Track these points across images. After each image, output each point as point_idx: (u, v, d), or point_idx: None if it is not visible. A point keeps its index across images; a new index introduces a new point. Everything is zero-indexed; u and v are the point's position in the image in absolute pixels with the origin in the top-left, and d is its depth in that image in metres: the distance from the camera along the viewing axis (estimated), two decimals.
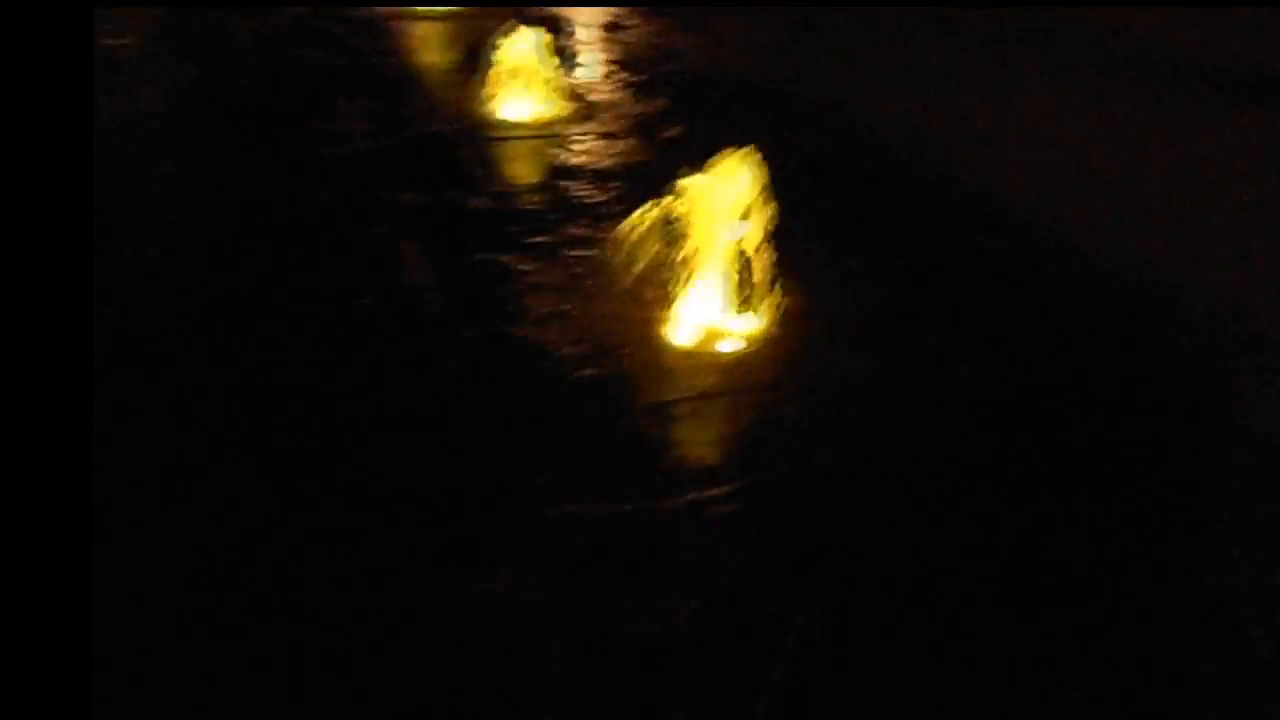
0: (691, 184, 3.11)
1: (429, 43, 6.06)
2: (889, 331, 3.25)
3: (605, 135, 4.71)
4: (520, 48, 4.76)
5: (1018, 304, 3.41)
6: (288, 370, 2.87)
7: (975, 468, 2.54)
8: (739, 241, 3.16)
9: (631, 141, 4.68)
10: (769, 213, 3.11)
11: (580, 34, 6.39)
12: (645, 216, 3.13)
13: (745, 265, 3.18)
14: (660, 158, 4.39)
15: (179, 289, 3.29)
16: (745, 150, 3.09)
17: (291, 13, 6.22)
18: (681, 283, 3.21)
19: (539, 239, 3.69)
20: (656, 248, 3.17)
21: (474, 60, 4.98)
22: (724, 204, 3.15)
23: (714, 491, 2.40)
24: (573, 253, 3.61)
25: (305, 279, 3.38)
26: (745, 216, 3.15)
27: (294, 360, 2.90)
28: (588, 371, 2.93)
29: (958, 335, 3.19)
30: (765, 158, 3.06)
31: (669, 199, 3.09)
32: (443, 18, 6.31)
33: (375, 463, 2.47)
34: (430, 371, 2.88)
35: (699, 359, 3.06)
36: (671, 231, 3.15)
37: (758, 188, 3.10)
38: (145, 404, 2.66)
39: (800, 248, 3.30)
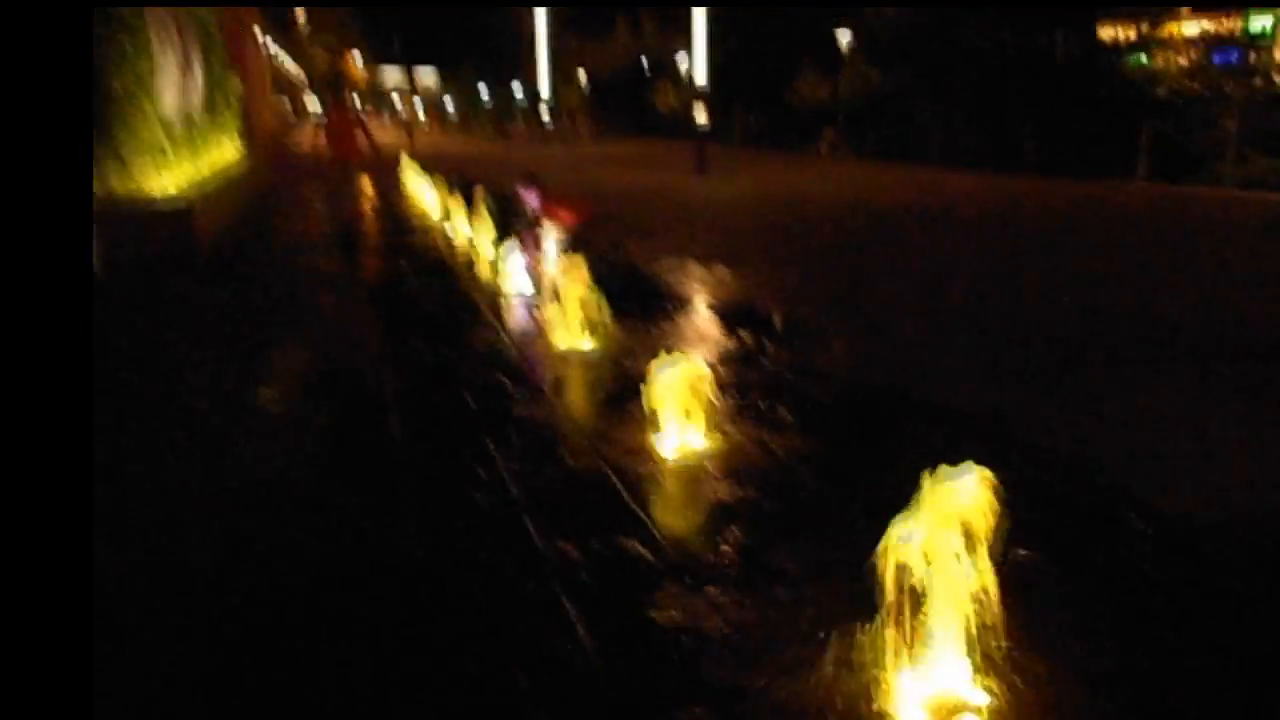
0: (911, 527, 2.64)
1: (583, 379, 5.97)
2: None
3: (760, 467, 4.35)
4: (672, 381, 4.54)
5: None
6: None
7: None
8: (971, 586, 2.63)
9: (786, 474, 4.30)
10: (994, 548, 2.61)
11: (720, 362, 6.25)
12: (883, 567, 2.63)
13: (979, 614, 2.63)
14: (826, 496, 4.02)
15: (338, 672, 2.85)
16: (955, 476, 2.65)
17: (426, 358, 6.28)
18: (905, 644, 2.66)
19: (711, 590, 3.21)
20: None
21: (628, 395, 4.79)
22: (947, 545, 2.66)
23: None
24: (750, 611, 3.10)
25: (463, 650, 2.91)
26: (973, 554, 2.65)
27: None
28: None
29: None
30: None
31: (891, 544, 2.61)
32: (598, 357, 6.28)
33: None
34: None
35: None
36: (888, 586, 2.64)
37: (986, 518, 2.62)
38: None
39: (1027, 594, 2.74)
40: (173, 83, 11.82)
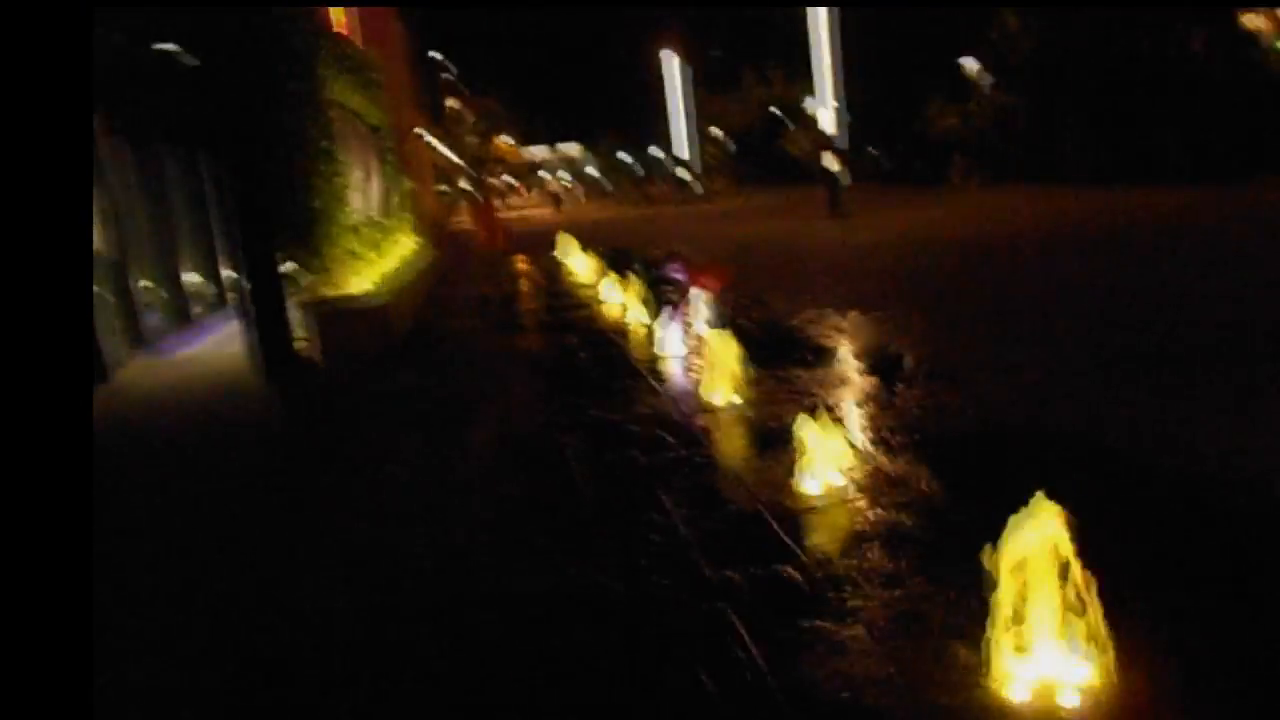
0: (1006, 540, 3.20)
1: (734, 430, 6.63)
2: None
3: (898, 505, 4.89)
4: (810, 432, 5.16)
5: None
6: None
7: None
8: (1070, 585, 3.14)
9: (919, 507, 4.83)
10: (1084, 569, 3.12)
11: (856, 405, 6.80)
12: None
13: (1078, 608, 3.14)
14: (953, 519, 4.54)
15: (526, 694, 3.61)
16: (1043, 500, 3.17)
17: (596, 420, 7.06)
18: (1005, 631, 3.19)
19: (855, 603, 3.81)
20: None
21: (774, 441, 5.44)
22: (1042, 555, 3.18)
23: None
24: (882, 614, 3.69)
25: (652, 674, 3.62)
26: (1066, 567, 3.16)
27: None
28: None
29: None
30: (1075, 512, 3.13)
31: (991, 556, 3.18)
32: (746, 410, 6.93)
33: None
34: None
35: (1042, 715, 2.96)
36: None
37: (1069, 541, 3.13)
38: None
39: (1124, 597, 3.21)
40: (358, 191, 13.38)
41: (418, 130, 28.12)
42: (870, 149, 39.07)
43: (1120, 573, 3.31)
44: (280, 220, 10.61)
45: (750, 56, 48.98)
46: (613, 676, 3.59)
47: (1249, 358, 6.99)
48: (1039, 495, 3.19)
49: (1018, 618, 3.22)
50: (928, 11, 35.58)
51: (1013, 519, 3.19)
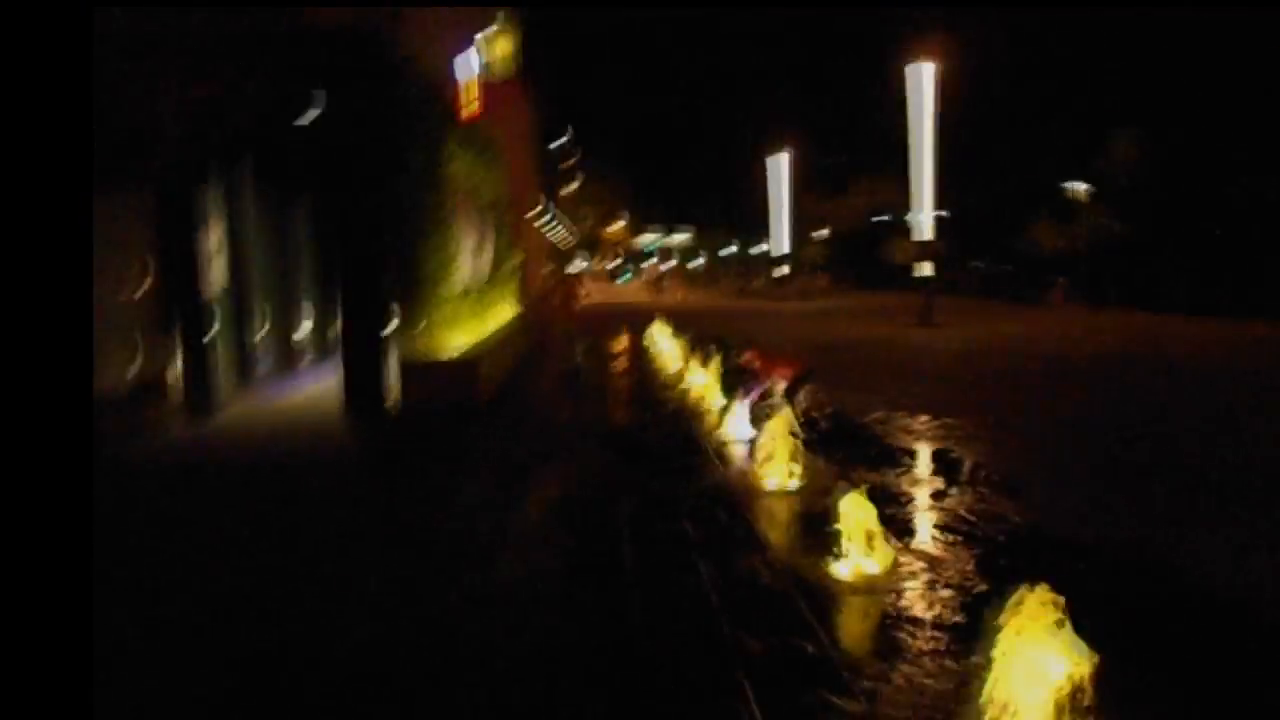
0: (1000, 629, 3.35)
1: (783, 511, 6.83)
2: None
3: (930, 588, 5.02)
4: (855, 512, 5.35)
5: None
6: None
7: None
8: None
9: (951, 595, 4.95)
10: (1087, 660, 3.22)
11: (905, 499, 6.93)
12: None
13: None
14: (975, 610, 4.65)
15: None
16: (1043, 592, 3.32)
17: (655, 490, 7.33)
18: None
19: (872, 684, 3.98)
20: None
21: (818, 525, 5.67)
22: (1035, 651, 3.31)
23: None
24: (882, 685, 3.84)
25: None
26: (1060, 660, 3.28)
27: None
28: None
29: None
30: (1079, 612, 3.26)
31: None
32: (798, 494, 7.13)
33: None
34: None
35: None
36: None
37: (1066, 632, 3.26)
38: None
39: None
40: (469, 259, 14.17)
41: (531, 214, 29.37)
42: (974, 262, 38.86)
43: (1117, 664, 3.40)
44: (390, 281, 11.39)
45: (863, 163, 49.66)
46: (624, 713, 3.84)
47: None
48: (1041, 586, 3.35)
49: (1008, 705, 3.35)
50: (1036, 129, 35.69)
51: (1010, 603, 3.35)
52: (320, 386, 12.71)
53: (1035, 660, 3.32)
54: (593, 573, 5.62)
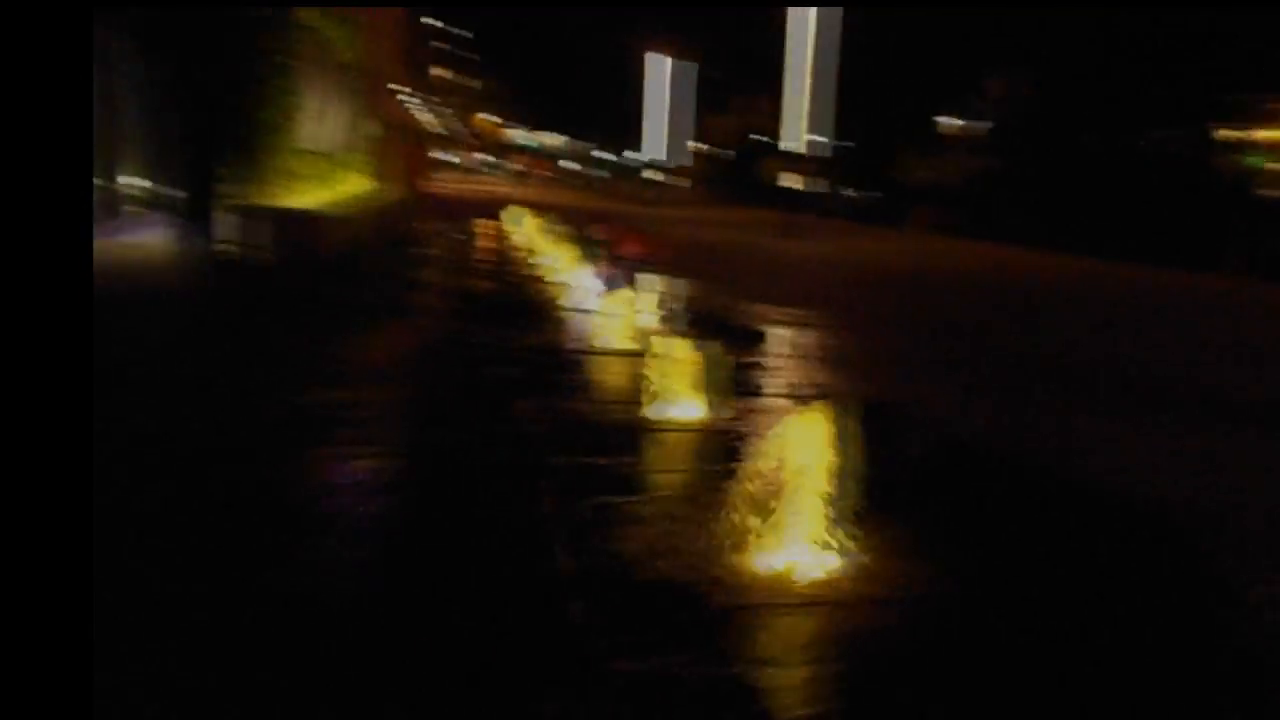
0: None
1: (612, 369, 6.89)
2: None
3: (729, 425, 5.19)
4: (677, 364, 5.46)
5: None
6: None
7: None
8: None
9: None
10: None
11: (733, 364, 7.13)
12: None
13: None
14: None
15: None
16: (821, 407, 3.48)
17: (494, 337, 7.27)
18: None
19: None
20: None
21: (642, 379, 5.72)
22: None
23: None
24: None
25: None
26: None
27: None
28: None
29: None
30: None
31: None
32: (625, 353, 7.18)
33: None
34: None
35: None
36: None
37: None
38: None
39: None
40: (312, 120, 13.46)
41: (394, 88, 28.11)
42: (847, 190, 39.82)
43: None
44: (226, 126, 10.71)
45: (742, 85, 49.78)
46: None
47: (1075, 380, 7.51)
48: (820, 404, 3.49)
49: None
50: (915, 66, 36.52)
51: (789, 419, 3.49)
52: (150, 240, 11.95)
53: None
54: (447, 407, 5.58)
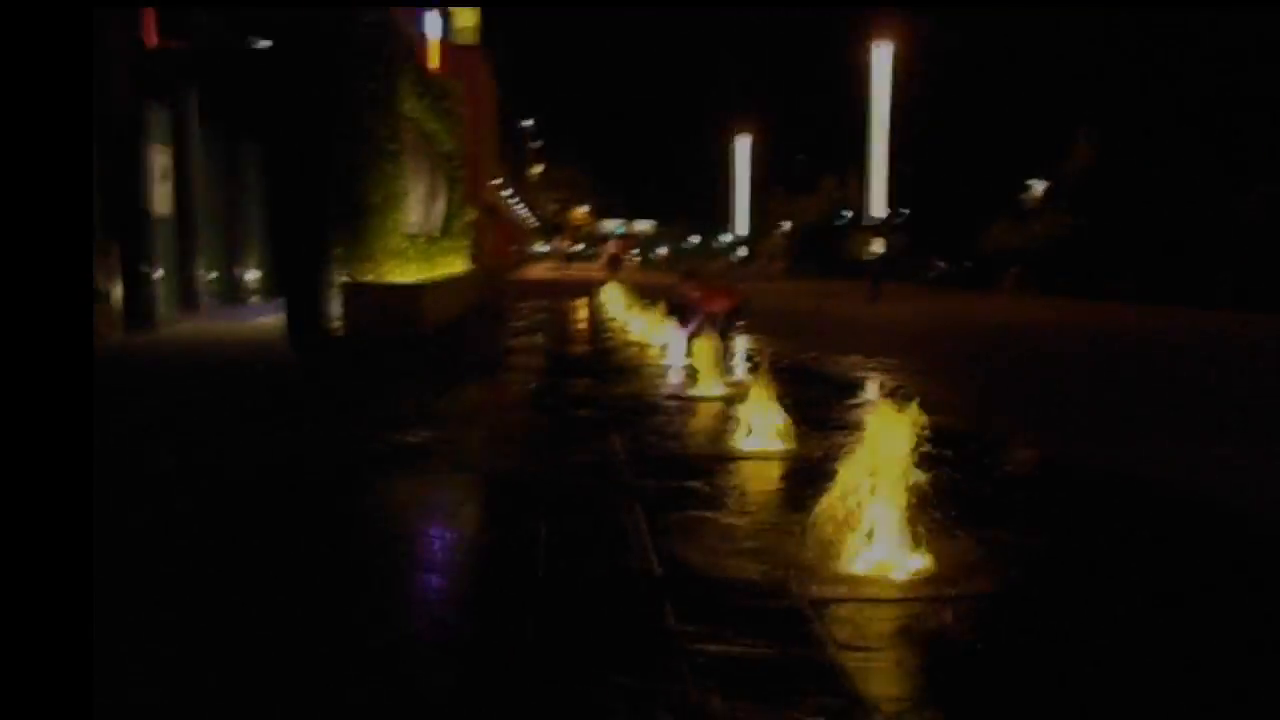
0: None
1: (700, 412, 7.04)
2: None
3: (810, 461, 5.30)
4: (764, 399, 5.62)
5: None
6: None
7: None
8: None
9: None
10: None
11: (818, 406, 7.22)
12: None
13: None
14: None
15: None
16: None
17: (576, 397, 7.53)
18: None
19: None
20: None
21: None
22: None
23: None
24: None
25: None
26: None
27: None
28: None
29: None
30: None
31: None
32: (713, 398, 7.34)
33: None
34: None
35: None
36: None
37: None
38: None
39: None
40: (419, 202, 14.28)
41: (491, 182, 29.44)
42: (938, 261, 39.56)
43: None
44: (336, 209, 11.49)
45: (824, 164, 50.34)
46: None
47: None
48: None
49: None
50: (995, 131, 36.38)
51: (871, 421, 3.60)
52: (268, 320, 12.78)
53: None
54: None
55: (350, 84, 11.32)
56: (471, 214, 20.33)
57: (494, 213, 30.41)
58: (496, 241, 32.31)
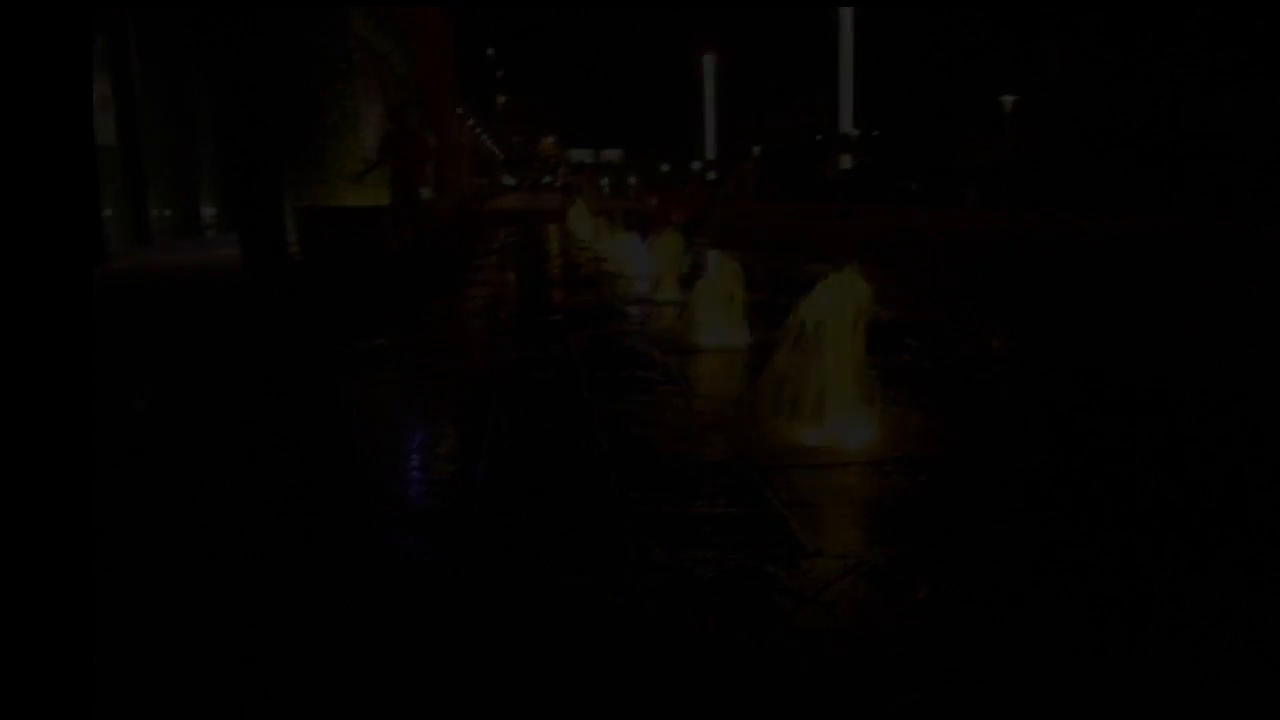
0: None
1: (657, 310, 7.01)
2: None
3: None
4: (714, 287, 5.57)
5: None
6: None
7: None
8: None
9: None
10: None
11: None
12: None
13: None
14: None
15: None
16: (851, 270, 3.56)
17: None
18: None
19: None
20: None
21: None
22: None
23: None
24: None
25: None
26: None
27: None
28: None
29: None
30: None
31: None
32: (668, 301, 7.31)
33: None
34: None
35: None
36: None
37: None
38: None
39: None
40: (375, 126, 13.97)
41: (451, 111, 28.85)
42: (912, 184, 39.38)
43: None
44: (289, 130, 11.22)
45: (794, 85, 49.72)
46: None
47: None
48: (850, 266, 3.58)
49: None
50: (968, 44, 35.98)
51: (820, 283, 3.58)
52: (223, 252, 12.54)
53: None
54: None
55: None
56: (431, 140, 19.93)
57: (457, 143, 29.86)
58: (461, 170, 31.82)
